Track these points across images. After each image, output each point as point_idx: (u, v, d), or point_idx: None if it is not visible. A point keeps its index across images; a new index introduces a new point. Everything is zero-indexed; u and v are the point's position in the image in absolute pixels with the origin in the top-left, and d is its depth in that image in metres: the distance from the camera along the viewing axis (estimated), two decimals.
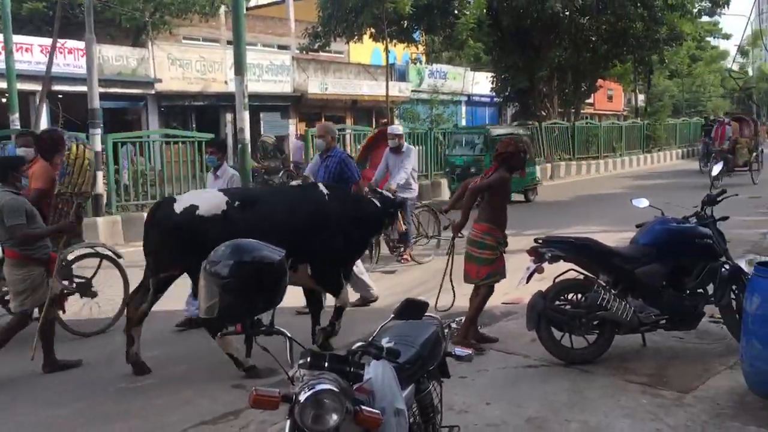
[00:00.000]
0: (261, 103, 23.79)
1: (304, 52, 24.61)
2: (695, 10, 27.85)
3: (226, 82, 22.75)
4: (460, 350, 3.50)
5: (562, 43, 24.73)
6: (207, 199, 5.51)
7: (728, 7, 25.67)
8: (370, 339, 2.83)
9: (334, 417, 2.42)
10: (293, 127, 26.47)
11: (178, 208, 5.38)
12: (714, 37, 43.31)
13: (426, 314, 3.24)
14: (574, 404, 4.66)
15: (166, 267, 5.44)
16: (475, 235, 5.97)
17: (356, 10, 20.21)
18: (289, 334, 2.74)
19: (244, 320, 2.76)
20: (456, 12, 20.80)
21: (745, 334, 4.72)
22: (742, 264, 6.48)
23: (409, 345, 3.14)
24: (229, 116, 22.89)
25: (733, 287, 5.64)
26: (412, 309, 2.93)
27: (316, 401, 2.43)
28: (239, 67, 10.62)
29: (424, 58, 29.86)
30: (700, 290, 5.63)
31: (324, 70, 27.64)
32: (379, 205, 6.36)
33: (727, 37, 47.49)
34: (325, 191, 6.01)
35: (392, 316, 3.02)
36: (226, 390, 5.23)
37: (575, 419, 4.42)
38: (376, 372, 2.77)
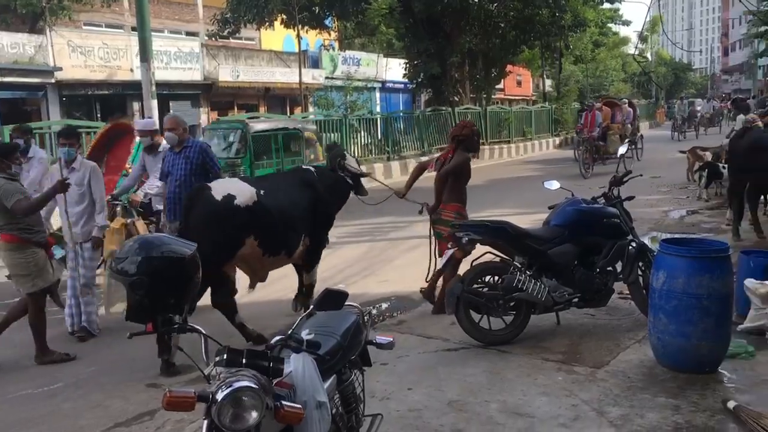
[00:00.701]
0: (170, 92, 23.08)
1: (214, 38, 24.00)
2: None
3: (131, 70, 21.91)
4: (381, 338, 3.48)
5: (473, 30, 25.11)
6: (241, 189, 5.74)
7: None
8: (289, 332, 2.77)
9: (254, 414, 2.35)
10: (205, 116, 25.82)
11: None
12: (615, 24, 45.06)
13: (346, 303, 3.20)
14: (493, 385, 4.74)
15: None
16: (446, 215, 6.33)
17: None
18: (204, 331, 2.63)
19: (155, 319, 2.64)
20: None
21: (652, 309, 4.92)
22: (646, 241, 6.77)
23: (330, 336, 3.10)
24: (136, 105, 22.06)
25: (640, 264, 5.88)
26: (331, 299, 2.88)
27: (234, 399, 2.35)
28: (145, 54, 10.26)
29: (336, 45, 29.72)
30: (610, 268, 5.82)
31: (235, 57, 27.05)
32: (350, 181, 6.76)
33: (627, 23, 49.58)
34: (314, 171, 6.55)
35: (312, 307, 2.97)
36: (139, 390, 5.04)
37: (494, 399, 4.49)
38: (297, 365, 2.71)
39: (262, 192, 5.79)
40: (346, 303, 3.14)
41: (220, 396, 2.34)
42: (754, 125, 11.93)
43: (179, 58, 24.29)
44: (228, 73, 25.55)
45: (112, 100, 23.03)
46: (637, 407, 4.28)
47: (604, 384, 4.66)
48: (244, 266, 6.06)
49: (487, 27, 25.24)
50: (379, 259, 8.78)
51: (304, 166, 7.51)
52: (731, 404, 4.14)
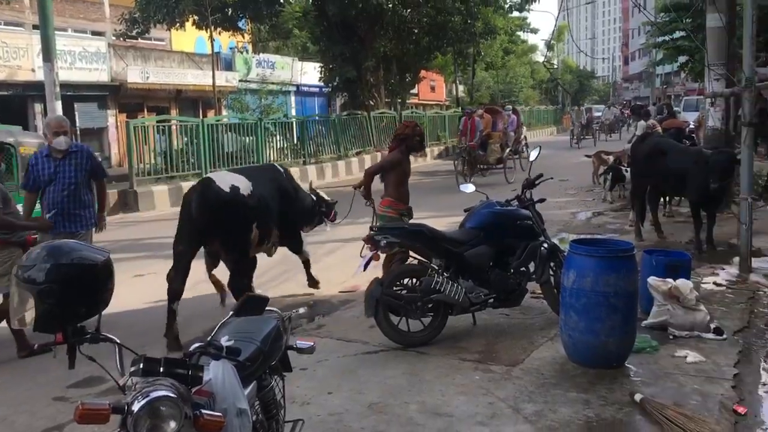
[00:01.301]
0: (75, 93, 22.11)
1: (122, 38, 23.21)
2: (507, 6, 29.76)
3: (33, 70, 20.88)
4: (301, 342, 3.46)
5: (387, 35, 25.33)
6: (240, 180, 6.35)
7: (538, 2, 27.61)
8: (208, 338, 2.71)
9: (172, 425, 2.28)
10: (113, 119, 24.92)
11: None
12: (524, 32, 46.52)
13: (266, 308, 3.16)
14: (412, 386, 4.78)
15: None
16: (379, 209, 6.56)
17: None
18: (118, 341, 2.54)
19: (65, 329, 2.52)
20: (281, 0, 20.56)
21: (563, 307, 5.10)
22: (557, 242, 7.01)
23: (250, 341, 3.04)
24: (38, 107, 21.07)
25: (551, 264, 6.08)
26: (251, 304, 2.84)
27: (151, 410, 2.27)
28: (48, 53, 9.81)
29: (250, 47, 29.32)
30: (523, 269, 5.99)
31: (144, 58, 26.24)
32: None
33: (534, 31, 51.22)
34: (280, 168, 7.34)
35: (231, 312, 2.91)
36: (47, 403, 4.81)
37: (414, 401, 4.54)
38: (216, 373, 2.65)
39: (252, 184, 6.38)
40: (266, 308, 3.10)
41: (136, 407, 2.26)
42: (654, 131, 12.58)
43: (84, 58, 23.34)
44: (137, 74, 24.76)
45: (12, 101, 21.88)
46: (550, 403, 4.42)
47: (519, 381, 4.79)
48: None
49: (401, 32, 25.52)
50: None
51: (274, 164, 8.31)
52: (638, 397, 4.34)
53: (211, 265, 7.00)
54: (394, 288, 5.61)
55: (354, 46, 23.52)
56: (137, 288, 7.99)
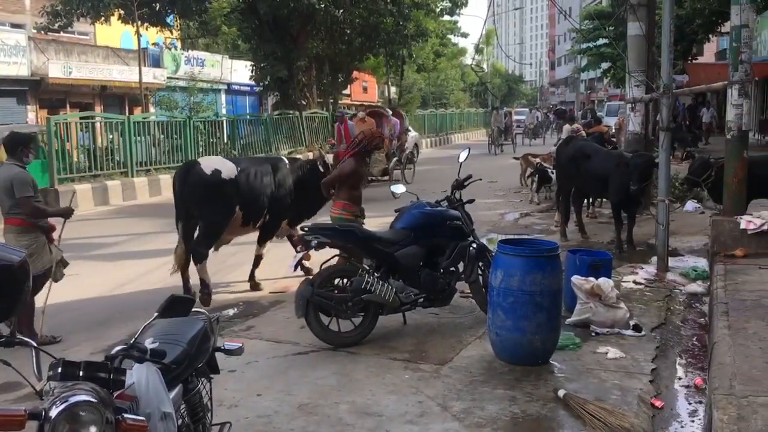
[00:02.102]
0: None
1: (43, 32, 22.31)
2: (438, 9, 30.10)
3: None
4: (229, 344, 3.41)
5: (319, 34, 25.25)
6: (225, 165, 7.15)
7: (466, 6, 28.00)
8: (132, 341, 2.64)
9: (92, 430, 2.21)
10: (33, 115, 23.93)
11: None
12: (454, 35, 47.14)
13: (193, 309, 3.09)
14: (342, 386, 4.78)
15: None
16: (333, 211, 6.59)
17: None
18: (34, 344, 2.45)
19: None
20: None
21: (491, 306, 5.21)
22: (485, 242, 7.15)
23: (176, 343, 2.98)
24: None
25: (480, 264, 6.20)
26: (177, 305, 2.77)
27: (70, 415, 2.19)
28: None
29: (179, 44, 28.67)
30: (452, 268, 6.08)
31: (67, 53, 25.30)
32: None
33: (465, 35, 52.10)
34: (287, 162, 7.81)
35: (156, 314, 2.84)
36: None
37: (344, 401, 4.54)
38: (140, 376, 2.59)
39: (240, 170, 7.08)
40: (193, 309, 3.04)
41: (54, 412, 2.18)
42: (578, 134, 12.98)
43: (2, 51, 22.32)
44: (59, 69, 23.85)
45: None
46: (478, 400, 4.50)
47: (447, 380, 4.85)
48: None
49: (333, 33, 25.48)
50: (228, 264, 8.57)
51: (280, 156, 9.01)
52: (561, 393, 4.47)
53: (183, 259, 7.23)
54: (325, 288, 5.59)
55: (286, 45, 23.33)
56: (59, 290, 7.69)
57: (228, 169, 7.04)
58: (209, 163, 7.12)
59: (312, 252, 5.93)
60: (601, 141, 12.27)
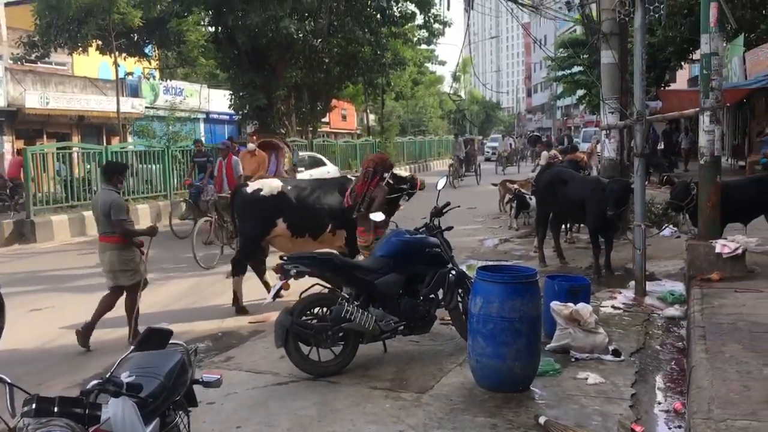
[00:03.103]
0: None
1: (20, 62, 22.21)
2: (415, 39, 30.48)
3: None
4: (207, 376, 3.38)
5: (298, 63, 25.38)
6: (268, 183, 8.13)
7: (443, 35, 28.34)
8: (107, 374, 2.61)
9: None
10: (9, 145, 23.71)
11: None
12: (432, 63, 47.69)
13: (171, 341, 3.07)
14: (323, 417, 4.74)
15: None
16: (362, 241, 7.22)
17: (79, 19, 18.72)
18: (8, 380, 2.41)
19: None
20: (187, 29, 20.25)
21: (471, 333, 5.21)
22: (465, 269, 7.17)
23: (153, 377, 2.95)
24: None
25: (459, 291, 6.21)
26: (154, 338, 2.76)
27: None
28: None
29: (158, 74, 28.66)
30: (432, 296, 6.08)
31: (44, 83, 25.19)
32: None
33: (442, 63, 52.71)
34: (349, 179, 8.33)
35: (132, 347, 2.82)
36: None
37: (325, 431, 4.50)
38: (116, 411, 2.56)
39: (289, 187, 7.94)
40: (171, 341, 3.02)
41: None
42: (556, 161, 13.13)
43: None
44: (36, 99, 23.71)
45: None
46: (459, 428, 4.48)
47: (428, 408, 4.83)
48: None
49: (312, 62, 25.63)
50: (206, 294, 8.51)
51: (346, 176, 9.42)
52: (542, 419, 4.46)
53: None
54: (304, 317, 5.57)
55: (265, 74, 23.40)
56: (34, 323, 7.59)
57: (269, 188, 7.90)
58: (254, 184, 8.17)
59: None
60: (577, 168, 12.41)
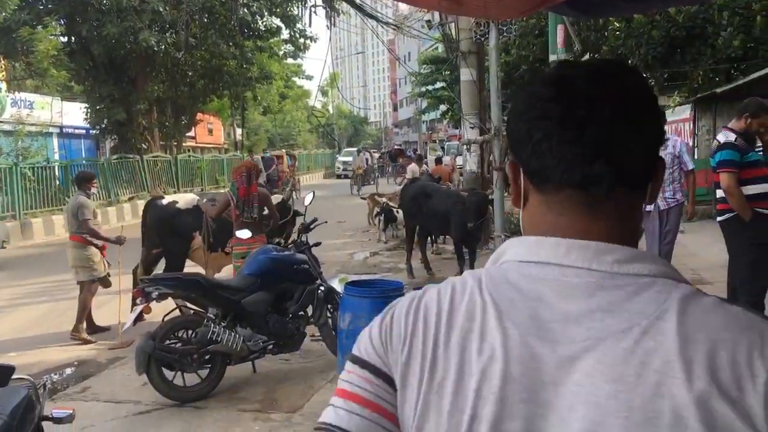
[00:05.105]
0: None
1: None
2: (281, 53, 30.38)
3: None
4: (58, 411, 3.15)
5: (160, 76, 24.58)
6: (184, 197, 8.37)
7: (309, 50, 28.46)
8: None
9: None
10: None
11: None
12: (299, 78, 47.75)
13: (14, 377, 2.85)
14: None
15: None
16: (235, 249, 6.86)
17: None
18: None
19: None
20: (37, 39, 19.06)
21: (341, 349, 5.23)
22: (335, 284, 7.17)
23: None
24: None
25: (329, 306, 6.21)
26: None
27: None
28: None
29: (4, 85, 26.71)
30: (301, 313, 6.04)
31: None
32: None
33: (309, 78, 52.88)
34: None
35: None
36: None
37: None
38: None
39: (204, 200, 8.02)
40: (14, 377, 2.80)
41: None
42: (422, 175, 13.50)
43: None
44: None
45: None
46: None
47: (299, 428, 4.78)
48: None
49: (174, 75, 24.91)
50: (60, 321, 7.98)
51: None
52: None
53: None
54: (168, 341, 5.35)
55: (124, 87, 22.49)
56: None
57: (185, 201, 8.16)
58: (170, 198, 8.37)
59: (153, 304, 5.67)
60: (438, 181, 12.84)
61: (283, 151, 29.59)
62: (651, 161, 0.91)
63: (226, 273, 7.99)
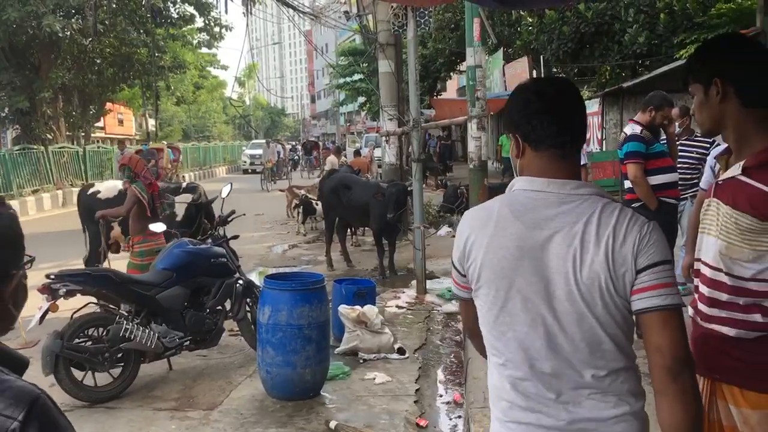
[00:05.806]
0: None
1: None
2: (195, 42, 29.60)
3: None
4: None
5: (65, 63, 23.50)
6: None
7: (224, 39, 27.84)
8: None
9: None
10: None
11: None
12: (214, 68, 46.67)
13: None
14: None
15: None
16: (136, 248, 6.57)
17: None
18: None
19: None
20: None
21: (260, 343, 5.13)
22: (254, 277, 7.07)
23: None
24: None
25: (248, 301, 6.09)
26: None
27: None
28: None
29: None
30: (219, 307, 5.90)
31: None
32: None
33: (225, 68, 51.78)
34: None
35: None
36: None
37: None
38: None
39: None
40: None
41: None
42: (341, 167, 13.45)
43: None
44: None
45: None
46: None
47: (217, 425, 4.67)
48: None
49: (82, 62, 23.88)
50: None
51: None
52: (333, 424, 4.51)
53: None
54: (77, 340, 5.12)
55: (27, 74, 21.37)
56: None
57: (106, 188, 8.44)
58: (96, 186, 8.68)
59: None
60: (359, 173, 12.82)
61: (164, 143, 26.65)
62: (584, 135, 1.76)
63: None
